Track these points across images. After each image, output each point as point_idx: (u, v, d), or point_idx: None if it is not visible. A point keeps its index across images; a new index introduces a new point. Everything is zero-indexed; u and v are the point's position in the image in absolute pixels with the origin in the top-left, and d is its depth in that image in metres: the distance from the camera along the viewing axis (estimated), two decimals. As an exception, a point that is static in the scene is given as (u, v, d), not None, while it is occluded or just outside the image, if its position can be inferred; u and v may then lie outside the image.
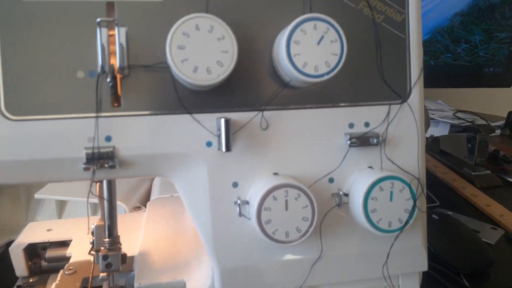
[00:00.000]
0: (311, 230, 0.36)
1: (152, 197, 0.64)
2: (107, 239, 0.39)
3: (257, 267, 0.39)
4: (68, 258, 0.49)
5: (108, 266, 0.38)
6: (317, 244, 0.40)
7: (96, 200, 0.64)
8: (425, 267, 0.43)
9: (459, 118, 1.36)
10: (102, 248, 0.39)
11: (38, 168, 0.36)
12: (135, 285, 0.42)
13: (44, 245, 0.53)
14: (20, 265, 0.53)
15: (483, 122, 1.39)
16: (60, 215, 0.76)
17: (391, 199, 0.37)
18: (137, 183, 0.69)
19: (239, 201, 0.37)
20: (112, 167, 0.36)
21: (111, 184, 0.39)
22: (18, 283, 0.53)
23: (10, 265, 0.77)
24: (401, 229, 0.38)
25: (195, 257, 0.46)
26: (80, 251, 0.49)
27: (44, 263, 0.53)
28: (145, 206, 0.62)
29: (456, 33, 1.30)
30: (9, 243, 0.76)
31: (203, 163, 0.38)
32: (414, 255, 0.42)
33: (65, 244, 0.53)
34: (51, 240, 0.52)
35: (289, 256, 0.40)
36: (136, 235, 0.52)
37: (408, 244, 0.42)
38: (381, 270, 0.42)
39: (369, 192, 0.37)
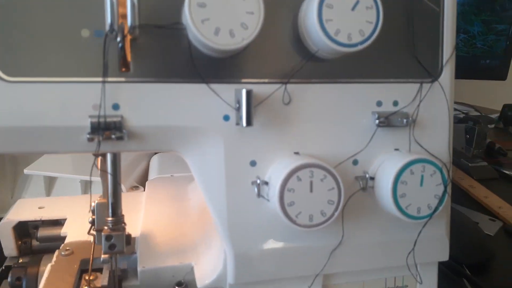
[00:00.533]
0: (336, 214, 0.34)
1: (150, 176, 0.61)
2: (110, 218, 0.35)
3: (274, 252, 0.36)
4: (62, 238, 0.46)
5: (111, 247, 0.35)
6: (338, 230, 0.37)
7: (87, 178, 0.60)
8: (446, 257, 0.41)
9: (454, 109, 1.35)
10: (105, 227, 0.35)
11: (36, 136, 0.32)
12: (139, 268, 0.39)
13: (35, 224, 0.49)
14: (9, 245, 0.49)
15: (478, 114, 1.38)
16: (48, 193, 0.72)
17: (421, 184, 0.35)
18: (134, 161, 0.66)
19: (258, 181, 0.34)
20: (120, 138, 0.32)
21: (115, 158, 0.35)
22: (7, 263, 0.49)
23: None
24: (431, 215, 0.35)
25: (202, 240, 0.43)
26: (76, 231, 0.45)
27: (35, 243, 0.50)
28: (143, 186, 0.59)
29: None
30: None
31: (219, 138, 0.35)
32: (437, 244, 0.40)
33: (58, 223, 0.49)
34: (43, 219, 0.49)
35: (307, 242, 0.37)
36: (136, 215, 0.48)
37: (432, 233, 0.39)
38: (403, 259, 0.39)
39: (399, 175, 0.34)
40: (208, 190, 0.36)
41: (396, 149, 0.38)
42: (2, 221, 0.48)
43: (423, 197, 0.35)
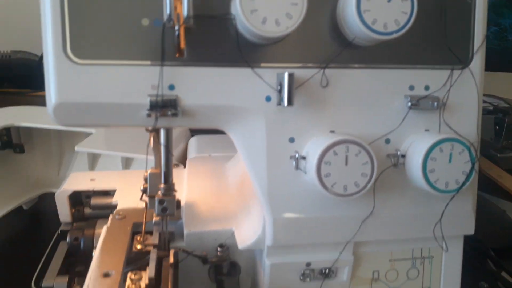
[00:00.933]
0: (369, 185, 0.37)
1: (190, 156, 0.65)
2: (163, 185, 0.39)
3: (309, 219, 0.40)
4: (113, 206, 0.51)
5: (163, 210, 0.39)
6: (369, 202, 0.40)
7: (128, 154, 0.65)
8: (472, 231, 0.43)
9: (484, 101, 1.34)
10: (158, 193, 0.40)
11: (102, 112, 0.36)
12: (185, 231, 0.43)
13: (87, 194, 0.54)
14: (64, 211, 0.54)
15: (507, 106, 1.37)
16: (92, 169, 0.78)
17: (450, 161, 0.38)
18: (174, 142, 0.70)
19: (297, 155, 0.38)
20: (175, 115, 0.36)
21: (168, 132, 0.39)
22: (62, 228, 0.55)
23: (44, 217, 0.80)
24: (458, 190, 0.38)
25: (241, 210, 0.47)
26: (125, 200, 0.50)
27: (87, 211, 0.55)
28: (183, 164, 0.63)
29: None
30: (41, 196, 0.79)
31: (261, 117, 0.38)
32: (463, 218, 0.43)
33: (108, 194, 0.54)
34: (95, 189, 0.53)
35: (341, 212, 0.40)
36: (180, 188, 0.52)
37: (459, 208, 0.42)
38: (430, 231, 0.42)
39: (429, 152, 0.37)
40: (251, 163, 0.39)
41: (427, 130, 0.40)
42: (58, 190, 0.53)
43: (451, 173, 0.38)
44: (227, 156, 0.60)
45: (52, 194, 0.77)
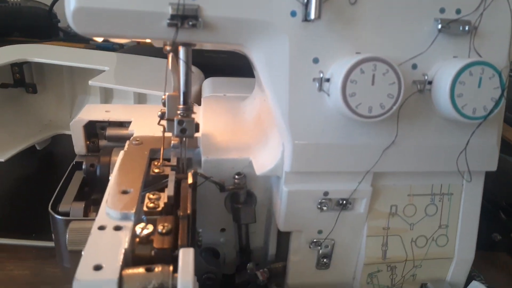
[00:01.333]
0: (394, 108, 0.36)
1: (204, 96, 0.64)
2: (181, 106, 0.39)
3: (329, 146, 0.39)
4: (128, 137, 0.50)
5: (182, 131, 0.38)
6: (392, 130, 0.39)
7: (142, 90, 0.64)
8: (494, 167, 0.43)
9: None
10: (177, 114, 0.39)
11: (121, 20, 0.35)
12: (202, 158, 0.43)
13: (102, 125, 0.54)
14: (79, 142, 0.54)
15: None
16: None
17: (479, 86, 0.36)
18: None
19: (321, 74, 0.36)
20: (194, 26, 0.35)
21: (188, 50, 0.38)
22: (77, 159, 0.54)
23: (57, 158, 0.81)
24: (485, 117, 0.37)
25: (259, 141, 0.46)
26: (141, 130, 0.49)
27: (102, 143, 0.54)
28: (198, 104, 0.62)
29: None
30: (54, 137, 0.79)
31: (285, 34, 0.37)
32: (487, 153, 0.42)
33: (123, 125, 0.53)
34: (110, 119, 0.53)
35: (362, 139, 0.39)
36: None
37: (483, 141, 0.41)
38: (451, 164, 0.41)
39: (459, 74, 0.36)
40: (272, 84, 0.38)
41: (455, 57, 0.39)
42: (73, 120, 0.53)
43: (479, 98, 0.36)
44: (242, 97, 0.59)
45: (65, 136, 0.78)
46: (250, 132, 0.49)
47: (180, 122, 0.38)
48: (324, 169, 0.40)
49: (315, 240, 0.45)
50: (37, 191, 0.69)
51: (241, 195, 0.45)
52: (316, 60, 0.37)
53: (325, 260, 0.47)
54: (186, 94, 0.39)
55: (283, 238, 0.48)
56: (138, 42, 1.21)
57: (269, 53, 0.38)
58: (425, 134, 0.40)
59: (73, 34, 1.26)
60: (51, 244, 0.54)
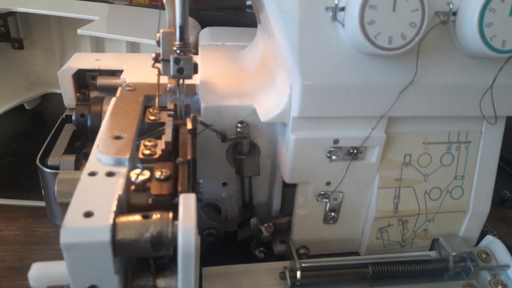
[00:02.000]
0: (417, 39, 0.32)
1: (201, 44, 0.59)
2: (178, 43, 0.35)
3: (342, 86, 0.35)
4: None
5: (179, 71, 0.34)
6: (410, 67, 0.36)
7: (133, 39, 0.60)
8: (518, 111, 0.39)
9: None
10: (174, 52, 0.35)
11: None
12: (202, 105, 0.39)
13: (93, 74, 0.50)
14: (68, 94, 0.50)
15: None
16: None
17: (510, 14, 0.32)
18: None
19: (336, 1, 0.32)
20: None
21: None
22: (66, 113, 0.51)
23: (47, 117, 0.77)
24: (516, 50, 0.33)
25: (262, 87, 0.42)
26: (135, 78, 0.45)
27: (92, 95, 0.50)
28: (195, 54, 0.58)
29: None
30: (44, 96, 0.74)
31: (294, -42, 0.32)
32: (510, 96, 0.38)
33: (115, 74, 0.49)
34: (101, 68, 0.49)
35: (378, 78, 0.36)
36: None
37: (507, 81, 0.37)
38: (472, 106, 0.38)
39: (489, 0, 0.31)
40: (280, 16, 0.34)
41: (482, -15, 0.35)
42: (61, 68, 0.49)
43: (510, 29, 0.33)
44: (241, 46, 0.55)
45: (55, 94, 0.74)
46: (253, 78, 0.45)
47: (176, 61, 0.34)
48: (335, 113, 0.37)
49: (322, 192, 0.42)
50: (27, 151, 0.65)
51: (244, 145, 0.42)
52: (328, -13, 0.33)
53: (332, 214, 0.44)
54: (182, 28, 0.34)
55: (288, 192, 0.45)
56: (130, 1, 1.15)
57: (276, -20, 0.34)
58: (446, 73, 0.37)
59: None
60: (42, 203, 0.51)
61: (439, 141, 0.42)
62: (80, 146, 0.49)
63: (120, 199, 0.27)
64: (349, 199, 0.43)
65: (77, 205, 0.26)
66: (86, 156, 0.45)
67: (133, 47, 0.64)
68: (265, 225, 0.43)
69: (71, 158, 0.43)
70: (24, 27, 0.72)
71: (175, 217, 0.27)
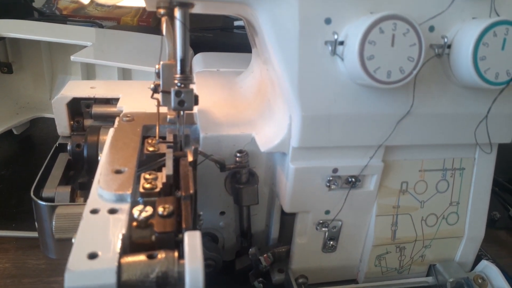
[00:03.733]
0: (414, 72, 0.33)
1: (196, 71, 0.60)
2: (179, 75, 0.35)
3: (341, 117, 0.36)
4: (117, 115, 0.46)
5: (181, 103, 0.34)
6: (407, 98, 0.36)
7: (126, 65, 0.60)
8: (509, 139, 0.40)
9: None
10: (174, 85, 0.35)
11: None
12: (201, 135, 0.39)
13: (88, 103, 0.49)
14: (62, 122, 0.49)
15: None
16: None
17: (503, 48, 0.33)
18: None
19: (336, 36, 0.33)
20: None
21: (186, 11, 0.34)
22: (60, 141, 0.50)
23: (37, 141, 0.75)
24: (508, 82, 0.34)
25: (260, 115, 0.43)
26: (132, 106, 0.45)
27: (87, 123, 0.50)
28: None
29: None
30: (33, 120, 0.73)
31: (293, -8, 0.33)
32: (502, 124, 0.39)
33: (110, 102, 0.49)
34: (97, 96, 0.48)
35: (376, 109, 0.36)
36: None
37: (499, 111, 0.38)
38: (467, 135, 0.39)
39: (482, 35, 0.33)
40: (279, 49, 0.35)
41: (474, 18, 0.36)
42: (56, 96, 0.48)
43: (503, 62, 0.34)
44: (236, 72, 0.56)
45: (45, 119, 0.73)
46: (250, 106, 0.45)
47: (177, 94, 0.34)
48: (334, 143, 0.37)
49: (321, 221, 0.42)
50: (16, 178, 0.64)
51: (243, 174, 0.41)
52: (328, 21, 0.34)
53: (331, 242, 0.44)
54: (183, 61, 0.35)
55: (286, 220, 0.45)
56: (118, 22, 1.16)
57: (276, 14, 0.34)
58: (441, 104, 0.38)
59: (48, 14, 1.19)
60: (33, 234, 0.50)
61: (434, 168, 0.43)
62: (74, 175, 0.48)
63: (123, 238, 0.27)
64: (348, 227, 0.43)
65: (81, 245, 0.25)
66: (81, 186, 0.45)
67: (125, 73, 0.64)
68: (264, 255, 0.43)
69: (67, 189, 0.42)
70: (14, 51, 0.71)
71: (180, 255, 0.26)
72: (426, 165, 0.42)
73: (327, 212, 0.42)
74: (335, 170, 0.39)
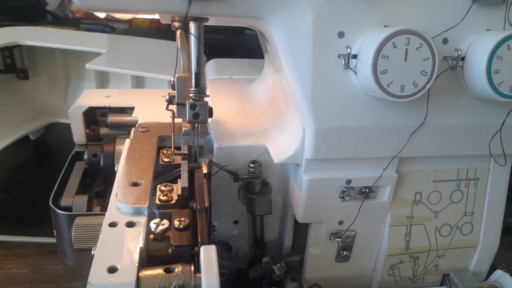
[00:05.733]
0: (428, 86, 0.33)
1: (208, 78, 0.60)
2: (193, 89, 0.35)
3: (354, 129, 0.36)
4: (132, 124, 0.47)
5: (195, 116, 0.35)
6: (421, 110, 0.36)
7: (140, 73, 0.61)
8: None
9: None
10: (189, 98, 0.35)
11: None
12: (215, 145, 0.40)
13: (103, 111, 0.50)
14: (78, 131, 0.50)
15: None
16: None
17: (518, 61, 0.33)
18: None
19: (349, 50, 0.33)
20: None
21: (200, 25, 0.35)
22: (76, 149, 0.51)
23: (53, 146, 0.77)
24: (524, 95, 0.34)
25: (273, 126, 0.43)
26: (147, 115, 0.46)
27: (102, 131, 0.51)
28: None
29: None
30: (48, 126, 0.75)
31: (307, 6, 0.33)
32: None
33: (125, 111, 0.50)
34: (112, 105, 0.49)
35: (390, 121, 0.36)
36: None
37: (515, 122, 0.38)
38: (481, 146, 0.39)
39: (496, 48, 0.32)
40: (293, 62, 0.35)
41: (488, 30, 0.36)
42: (72, 106, 0.49)
43: (518, 75, 0.34)
44: (249, 79, 0.56)
45: (60, 124, 0.74)
46: (263, 116, 0.45)
47: (192, 107, 0.35)
48: (348, 155, 0.37)
49: (335, 231, 0.42)
50: (33, 184, 0.65)
51: (256, 184, 0.42)
52: (341, 35, 0.34)
53: (345, 252, 0.44)
54: (198, 75, 0.35)
55: (299, 229, 0.46)
56: (130, 24, 1.17)
57: (290, 28, 0.34)
58: (455, 115, 0.37)
59: (62, 17, 1.20)
60: (51, 239, 0.51)
61: (448, 179, 0.43)
62: (90, 183, 0.49)
63: (141, 251, 0.27)
64: (361, 237, 0.43)
65: (101, 259, 0.26)
66: (97, 195, 0.46)
67: (138, 80, 0.65)
68: (277, 264, 0.43)
69: (84, 198, 0.43)
70: (29, 57, 0.73)
71: (197, 268, 0.27)
72: (440, 176, 0.42)
73: (341, 223, 0.42)
74: (348, 182, 0.39)
